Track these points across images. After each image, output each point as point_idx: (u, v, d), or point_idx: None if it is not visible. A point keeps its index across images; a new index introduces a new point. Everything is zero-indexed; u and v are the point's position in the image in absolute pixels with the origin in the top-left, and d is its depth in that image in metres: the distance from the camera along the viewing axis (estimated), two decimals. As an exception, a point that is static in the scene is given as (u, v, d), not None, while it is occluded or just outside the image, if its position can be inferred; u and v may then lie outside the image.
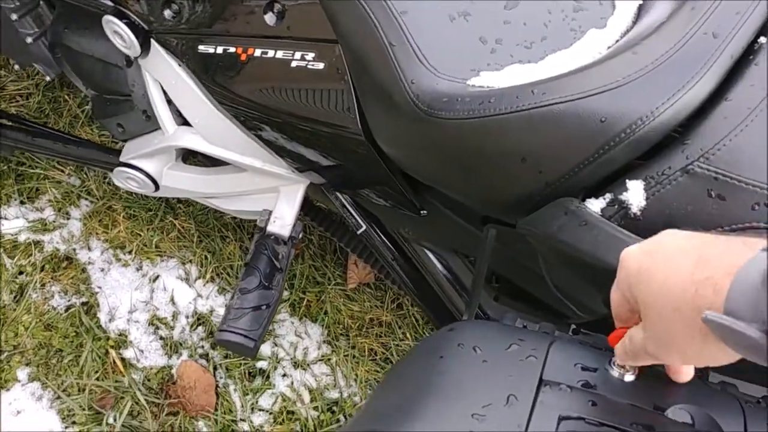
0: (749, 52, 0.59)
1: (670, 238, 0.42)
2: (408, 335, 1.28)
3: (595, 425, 0.43)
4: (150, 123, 0.95)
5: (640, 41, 0.61)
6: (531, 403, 0.45)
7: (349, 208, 1.01)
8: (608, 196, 0.58)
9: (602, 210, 0.58)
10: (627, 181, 0.57)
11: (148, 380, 1.15)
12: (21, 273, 1.18)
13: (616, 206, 0.58)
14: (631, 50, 0.60)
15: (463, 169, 0.66)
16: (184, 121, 0.94)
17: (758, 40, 0.60)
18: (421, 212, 0.86)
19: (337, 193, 0.99)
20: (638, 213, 0.56)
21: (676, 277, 0.37)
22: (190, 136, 0.93)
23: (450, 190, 0.74)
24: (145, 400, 1.11)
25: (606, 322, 0.51)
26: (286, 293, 1.27)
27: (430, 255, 0.97)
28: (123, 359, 1.15)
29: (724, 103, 0.56)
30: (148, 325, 1.19)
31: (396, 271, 1.04)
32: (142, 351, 1.16)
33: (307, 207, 1.17)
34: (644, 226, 0.57)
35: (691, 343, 0.37)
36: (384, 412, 0.49)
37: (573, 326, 0.60)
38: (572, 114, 0.57)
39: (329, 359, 1.23)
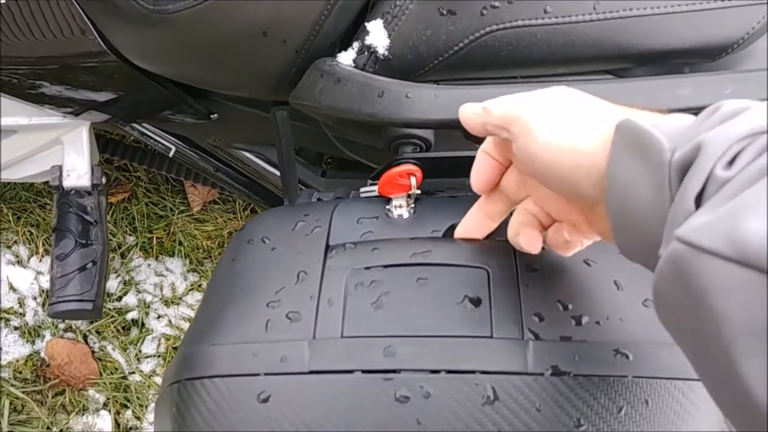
0: None
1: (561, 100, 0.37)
2: (268, 235, 1.27)
3: (377, 269, 0.45)
4: None
5: None
6: (320, 271, 0.46)
7: (150, 135, 0.95)
8: (356, 45, 0.57)
9: (354, 61, 0.57)
10: (366, 24, 0.56)
11: (19, 373, 1.09)
12: None
13: (366, 53, 0.57)
14: None
15: (214, 61, 0.62)
16: None
17: None
18: (212, 116, 0.82)
19: (132, 125, 0.93)
20: (386, 53, 0.56)
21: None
22: (-68, 116, 0.82)
23: (218, 88, 0.70)
24: (23, 392, 1.06)
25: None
26: (131, 238, 1.22)
27: (247, 155, 0.94)
28: (-19, 365, 1.08)
29: None
30: (-5, 321, 1.11)
31: (225, 182, 1.01)
32: (0, 348, 1.10)
33: (112, 146, 1.09)
34: (396, 65, 0.57)
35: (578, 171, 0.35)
36: (194, 332, 0.48)
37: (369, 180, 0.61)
38: (289, -30, 0.54)
39: (200, 285, 1.21)
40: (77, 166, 0.86)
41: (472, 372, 0.39)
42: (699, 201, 0.27)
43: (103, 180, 0.88)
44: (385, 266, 0.45)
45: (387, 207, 0.50)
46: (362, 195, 0.54)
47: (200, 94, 0.79)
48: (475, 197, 0.46)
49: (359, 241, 0.48)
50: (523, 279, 0.43)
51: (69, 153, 0.87)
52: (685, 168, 0.29)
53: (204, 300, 0.53)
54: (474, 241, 0.46)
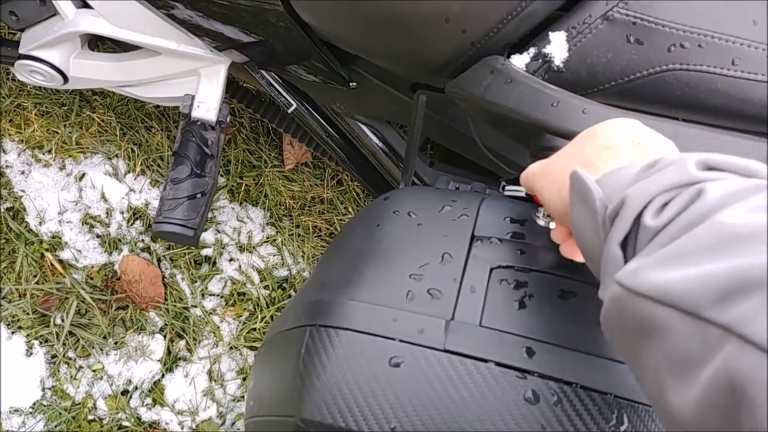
0: None
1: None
2: (350, 210, 1.29)
3: (523, 271, 0.46)
4: (46, 8, 0.87)
5: None
6: (464, 258, 0.47)
7: (277, 87, 0.97)
8: (532, 51, 0.58)
9: (527, 65, 0.58)
10: (549, 33, 0.57)
11: (91, 279, 1.14)
12: (-67, 184, 1.11)
13: (540, 60, 0.57)
14: None
15: (386, 32, 0.64)
16: (84, 4, 0.86)
17: None
18: (351, 84, 0.83)
19: (263, 72, 0.95)
20: (561, 65, 0.57)
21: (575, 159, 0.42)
22: (91, 20, 0.86)
23: (375, 58, 0.72)
24: (91, 297, 1.11)
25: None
26: (222, 180, 1.25)
27: (364, 128, 0.96)
28: (61, 261, 1.13)
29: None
30: (82, 224, 1.16)
31: (331, 148, 1.03)
32: (79, 251, 1.14)
33: (233, 89, 1.12)
34: (567, 78, 0.57)
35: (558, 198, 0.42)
36: (328, 281, 0.50)
37: (503, 183, 0.62)
38: (493, -34, 0.55)
39: (274, 240, 1.24)
40: (208, 100, 0.89)
41: (606, 393, 0.40)
42: (624, 247, 0.33)
43: (228, 119, 0.91)
44: (530, 270, 0.46)
45: (536, 213, 0.50)
46: (506, 193, 0.55)
47: (346, 61, 0.81)
48: None
49: (505, 239, 0.48)
50: (668, 317, 0.43)
51: (204, 85, 0.90)
52: (614, 218, 0.34)
53: (335, 252, 0.54)
54: (622, 268, 0.46)
